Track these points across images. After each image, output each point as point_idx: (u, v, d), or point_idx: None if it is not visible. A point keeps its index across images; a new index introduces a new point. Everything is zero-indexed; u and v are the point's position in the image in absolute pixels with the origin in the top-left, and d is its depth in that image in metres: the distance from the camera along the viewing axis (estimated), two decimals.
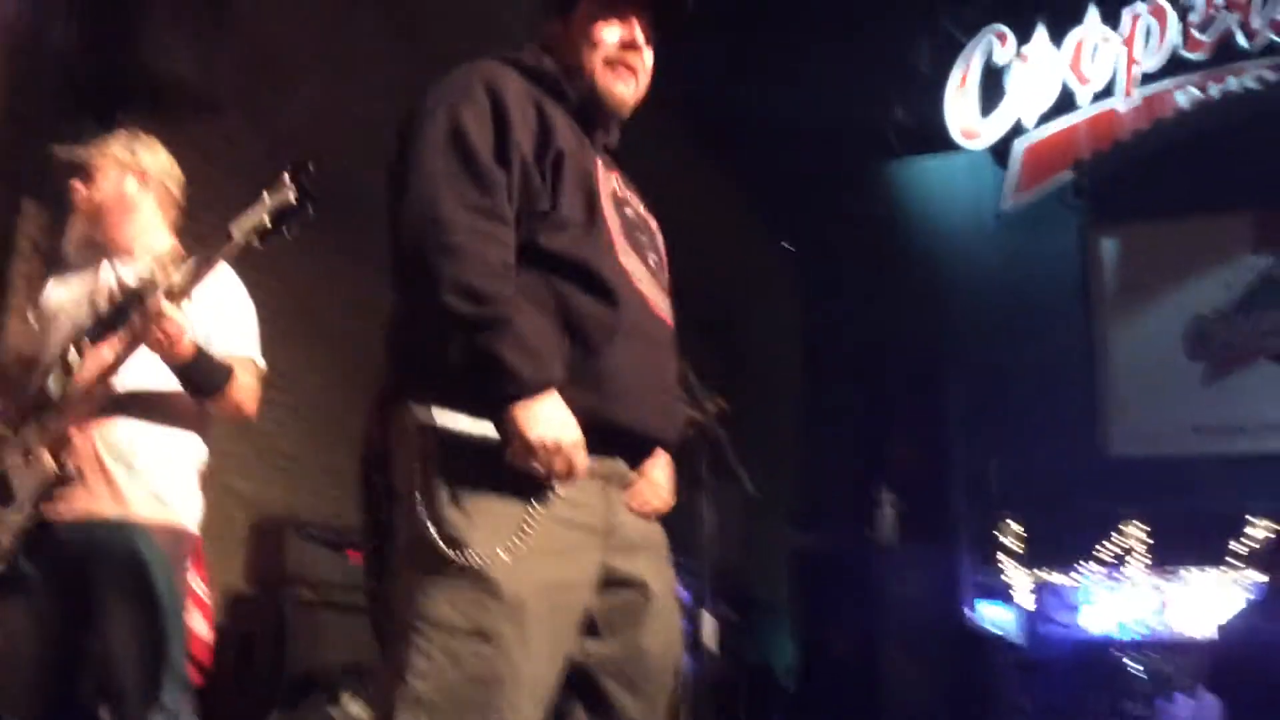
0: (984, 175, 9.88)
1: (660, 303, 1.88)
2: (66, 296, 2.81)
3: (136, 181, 2.79)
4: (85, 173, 2.78)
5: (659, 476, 1.91)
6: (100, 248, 2.80)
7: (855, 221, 9.35)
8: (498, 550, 1.60)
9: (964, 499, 7.96)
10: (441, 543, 1.61)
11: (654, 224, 2.01)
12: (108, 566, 2.53)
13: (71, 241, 2.83)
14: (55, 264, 3.05)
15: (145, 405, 2.63)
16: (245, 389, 2.67)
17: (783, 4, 8.41)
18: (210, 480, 5.09)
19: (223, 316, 2.69)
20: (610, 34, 1.91)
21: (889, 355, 8.67)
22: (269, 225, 2.29)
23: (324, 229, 6.13)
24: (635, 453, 1.82)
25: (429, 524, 1.62)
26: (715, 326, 9.21)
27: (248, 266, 5.30)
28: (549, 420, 1.62)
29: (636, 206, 1.97)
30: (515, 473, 1.63)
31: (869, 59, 8.84)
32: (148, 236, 2.78)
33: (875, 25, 8.77)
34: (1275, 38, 9.16)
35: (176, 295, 2.43)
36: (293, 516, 4.74)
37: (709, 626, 3.03)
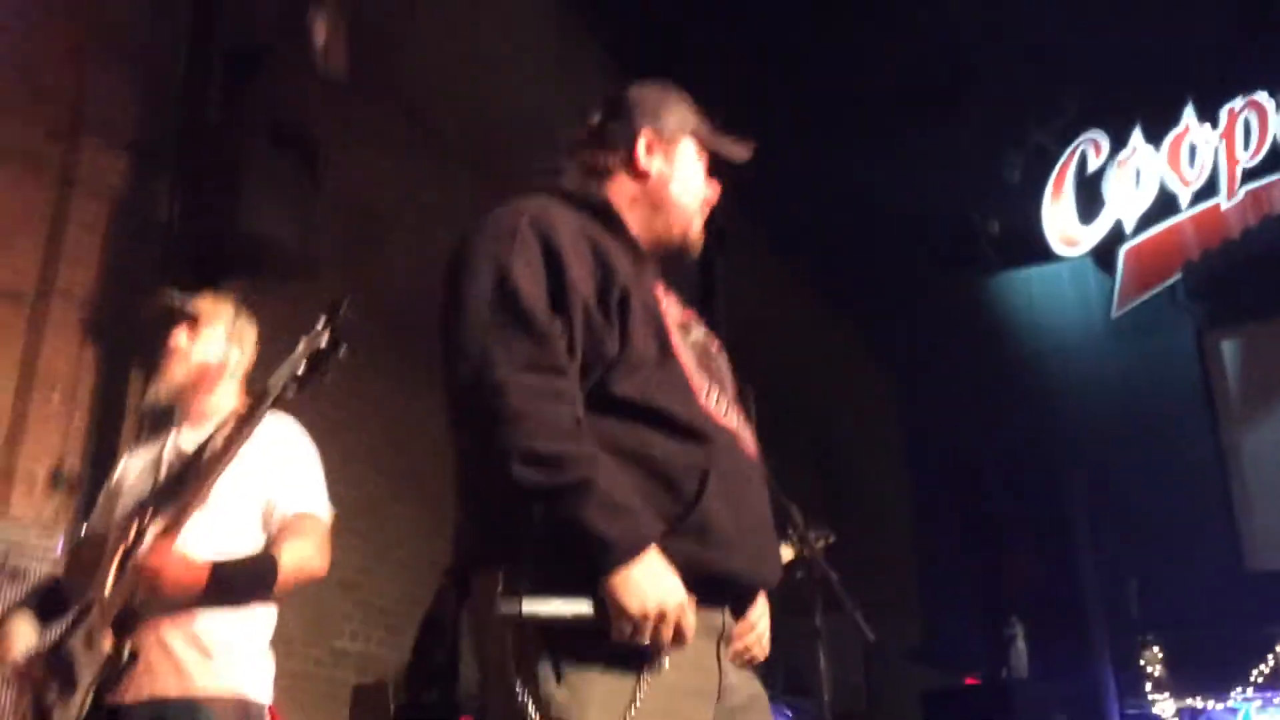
0: (1088, 282, 9.64)
1: (745, 435, 1.74)
2: (135, 468, 2.77)
3: (237, 350, 2.77)
4: (193, 324, 2.74)
5: (761, 623, 1.74)
6: (175, 413, 2.75)
7: (957, 338, 9.15)
8: None
9: (1104, 624, 7.50)
10: None
11: (716, 343, 1.87)
12: None
13: (159, 392, 2.76)
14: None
15: None
16: (297, 564, 2.52)
17: (870, 124, 8.43)
18: (315, 641, 5.05)
19: (284, 471, 2.61)
20: (707, 182, 1.88)
21: (1003, 475, 8.36)
22: (305, 371, 2.24)
23: (425, 375, 6.17)
24: (740, 601, 1.67)
25: (532, 709, 1.47)
26: (816, 456, 9.02)
27: (350, 416, 5.36)
28: (650, 585, 1.45)
29: (698, 328, 1.84)
30: (621, 644, 1.47)
31: (960, 174, 8.78)
32: (224, 405, 2.72)
33: (964, 140, 8.72)
34: None
35: (222, 463, 2.35)
36: (399, 676, 4.62)
37: None
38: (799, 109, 8.39)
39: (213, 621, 2.52)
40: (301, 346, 2.27)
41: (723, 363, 1.84)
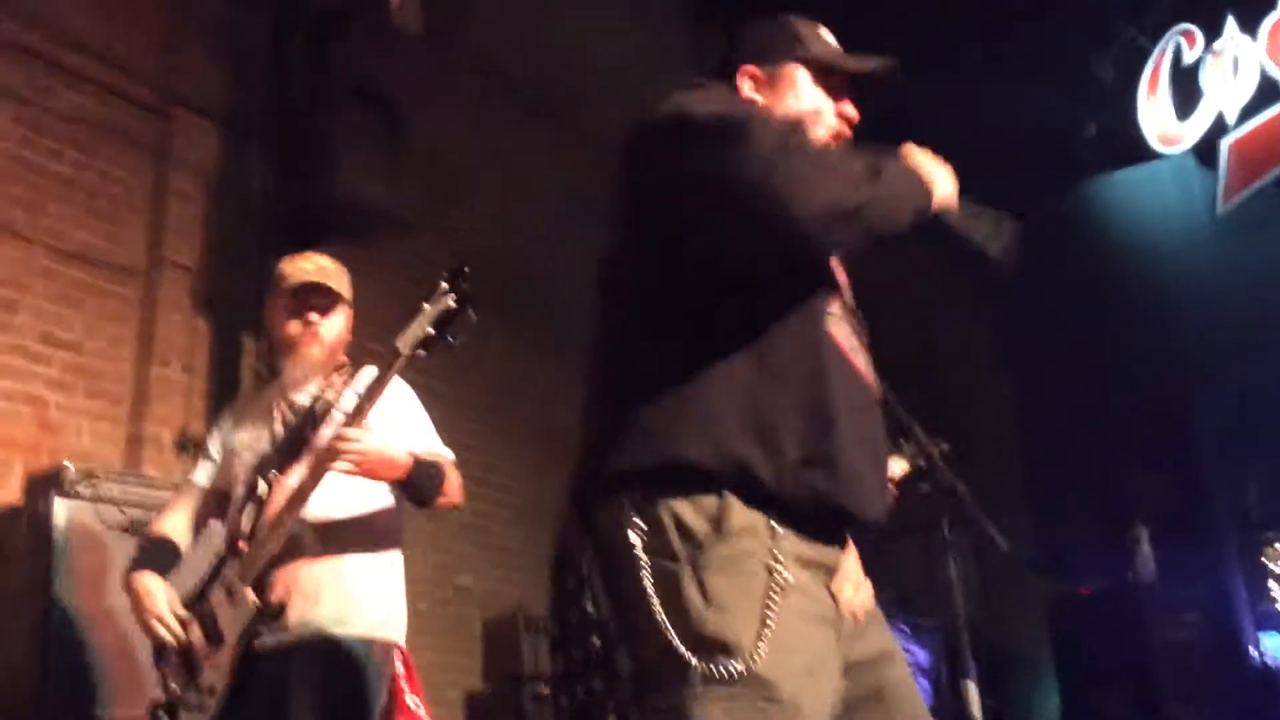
0: (1191, 180, 9.29)
1: (868, 368, 1.78)
2: (247, 431, 2.84)
3: (349, 320, 2.88)
4: (325, 303, 2.80)
5: (852, 566, 1.76)
6: (291, 382, 2.82)
7: (1060, 245, 8.91)
8: (760, 647, 1.46)
9: (1231, 526, 7.31)
10: (704, 651, 1.46)
11: (843, 276, 1.89)
12: (307, 684, 2.50)
13: (302, 372, 2.81)
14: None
15: (341, 532, 2.62)
16: (455, 485, 2.73)
17: (954, 31, 8.22)
18: (441, 581, 5.22)
19: (405, 422, 2.74)
20: (835, 106, 1.92)
21: (1114, 382, 8.14)
22: (433, 333, 2.31)
23: (517, 327, 6.28)
24: (852, 538, 1.73)
25: (674, 633, 1.48)
26: (916, 367, 8.90)
27: (453, 371, 5.48)
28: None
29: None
30: (750, 560, 1.50)
31: (1053, 77, 8.52)
32: (320, 364, 2.85)
33: (1055, 43, 8.45)
34: None
35: (355, 420, 2.47)
36: (524, 611, 4.75)
37: (973, 696, 2.80)
38: (884, 27, 8.20)
39: (355, 567, 2.62)
40: (427, 310, 2.34)
41: (847, 292, 1.86)
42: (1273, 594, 8.36)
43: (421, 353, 2.38)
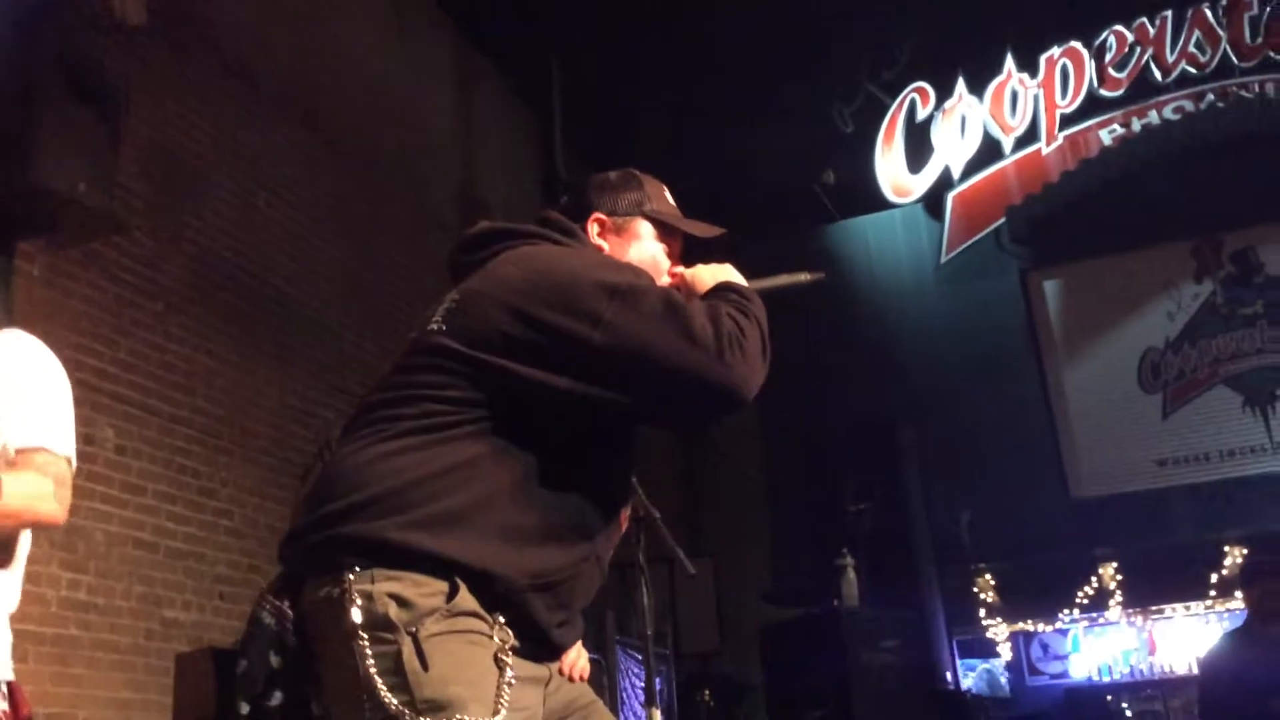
0: (920, 229, 9.95)
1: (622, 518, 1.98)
2: None
3: None
4: None
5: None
6: None
7: (795, 288, 9.32)
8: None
9: (932, 556, 7.81)
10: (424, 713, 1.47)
11: None
12: None
13: None
14: None
15: None
16: (25, 499, 2.12)
17: (706, 77, 8.48)
18: (145, 614, 4.89)
19: (9, 399, 2.18)
20: (669, 260, 1.98)
21: (841, 418, 8.58)
22: None
23: (248, 339, 5.98)
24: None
25: (398, 697, 1.49)
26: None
27: (172, 386, 5.17)
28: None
29: None
30: (475, 635, 1.55)
31: (794, 127, 8.92)
32: None
33: (798, 93, 8.85)
34: (1190, 69, 9.35)
35: None
36: (216, 645, 4.49)
37: None
38: (637, 68, 8.39)
39: None
40: None
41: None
42: (983, 621, 8.99)
43: None
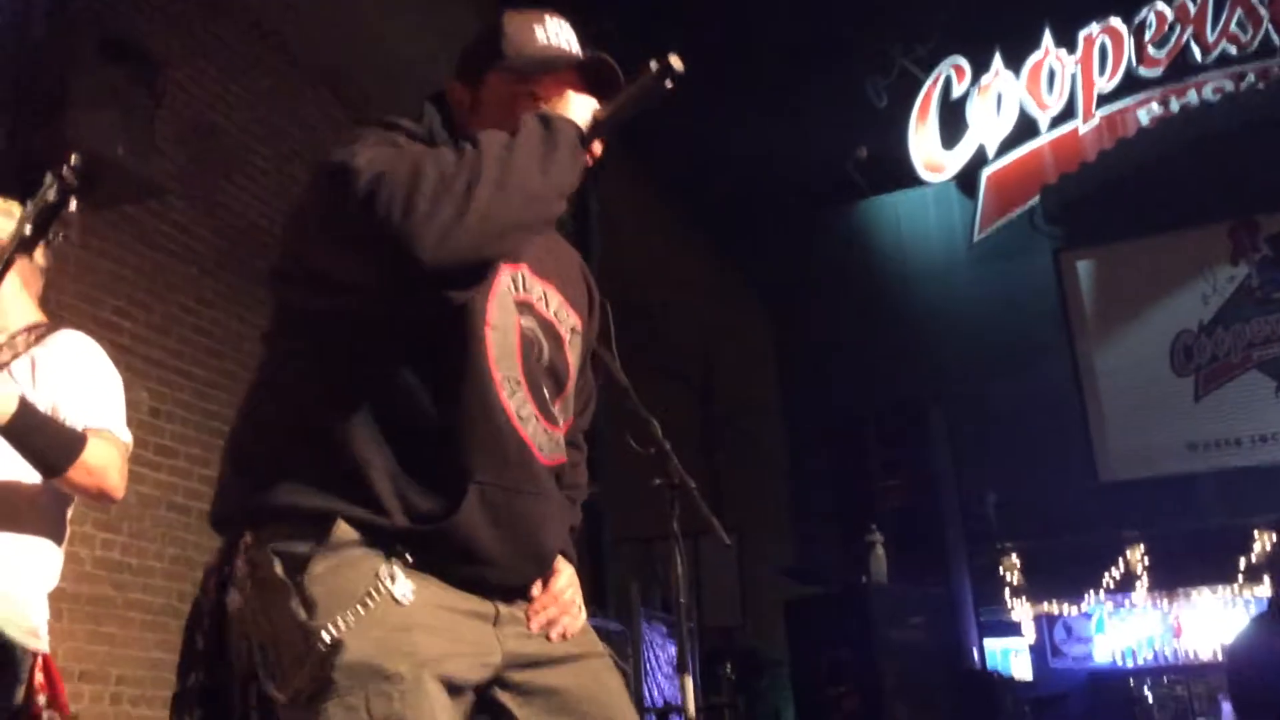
0: (953, 207, 9.87)
1: (543, 438, 1.63)
2: None
3: (25, 271, 2.46)
4: None
5: (566, 593, 1.66)
6: None
7: (828, 264, 9.30)
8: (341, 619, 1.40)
9: (960, 535, 7.78)
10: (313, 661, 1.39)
11: (572, 322, 1.73)
12: None
13: None
14: None
15: None
16: (104, 462, 2.26)
17: (739, 55, 8.42)
18: (183, 574, 4.95)
19: (72, 385, 2.33)
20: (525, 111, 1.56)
21: (871, 395, 8.55)
22: (29, 234, 2.06)
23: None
24: (507, 594, 1.60)
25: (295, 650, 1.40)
26: (700, 386, 9.12)
27: (206, 351, 5.21)
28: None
29: (552, 304, 1.69)
30: (357, 564, 1.44)
31: (828, 102, 8.85)
32: (10, 314, 2.44)
33: (832, 69, 8.78)
34: (1230, 48, 9.20)
35: None
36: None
37: (690, 692, 2.85)
38: (665, 42, 8.32)
39: None
40: (28, 207, 2.09)
41: (565, 349, 1.69)
42: (1008, 603, 8.97)
43: (22, 255, 2.09)
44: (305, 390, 1.51)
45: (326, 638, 1.37)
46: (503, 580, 1.56)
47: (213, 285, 5.38)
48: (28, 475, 2.28)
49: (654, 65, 1.56)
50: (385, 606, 1.40)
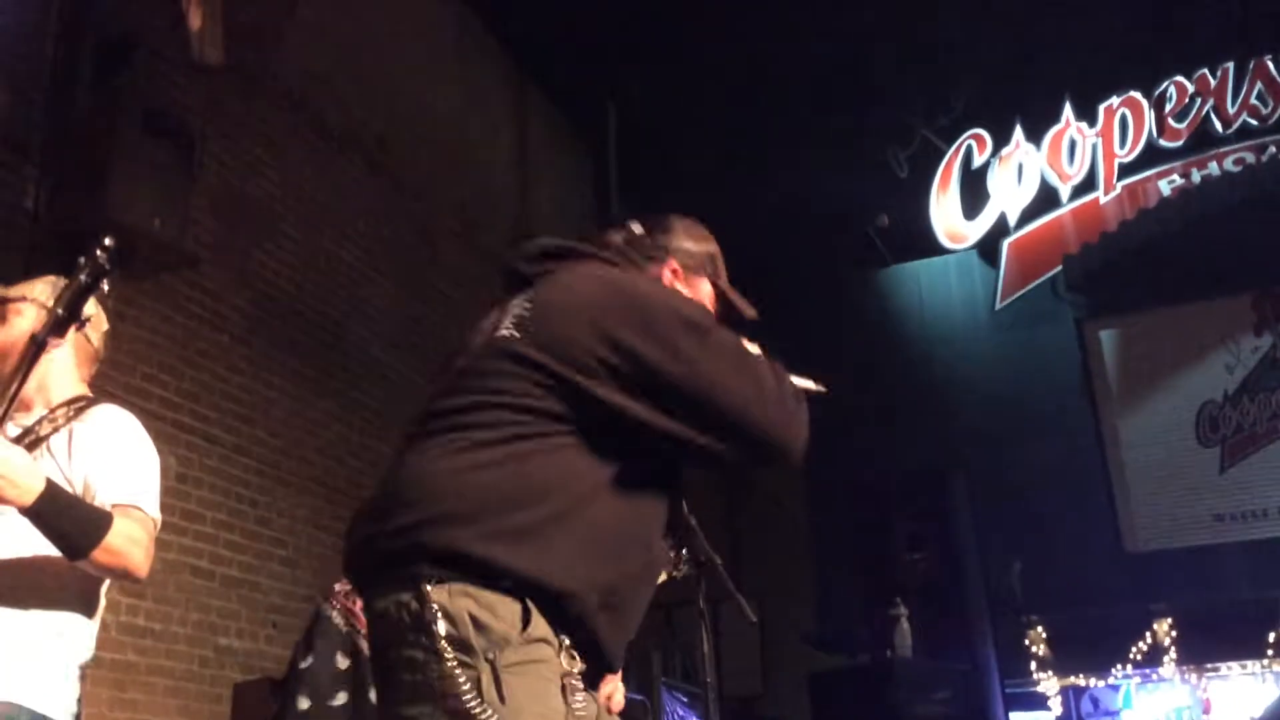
0: (974, 275, 9.91)
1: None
2: None
3: (80, 346, 2.52)
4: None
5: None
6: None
7: (849, 331, 9.31)
8: None
9: (985, 607, 7.71)
10: None
11: None
12: None
13: None
14: None
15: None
16: (128, 542, 2.24)
17: (761, 118, 8.55)
18: (200, 641, 4.96)
19: (106, 459, 2.33)
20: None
21: (892, 464, 8.52)
22: (63, 315, 2.12)
23: (309, 374, 6.09)
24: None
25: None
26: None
27: (234, 417, 5.27)
28: None
29: None
30: (545, 667, 1.56)
31: (850, 169, 8.95)
32: (55, 389, 2.45)
33: (853, 138, 8.89)
34: (1251, 121, 9.26)
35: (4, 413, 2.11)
36: (273, 675, 4.55)
37: None
38: (692, 106, 8.48)
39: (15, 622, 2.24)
40: (62, 290, 2.15)
41: None
42: (1034, 675, 8.85)
43: (50, 334, 2.14)
44: (549, 460, 1.64)
45: None
46: (619, 664, 1.75)
47: (242, 352, 5.46)
48: (48, 549, 2.29)
49: (814, 387, 1.93)
50: None
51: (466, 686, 1.48)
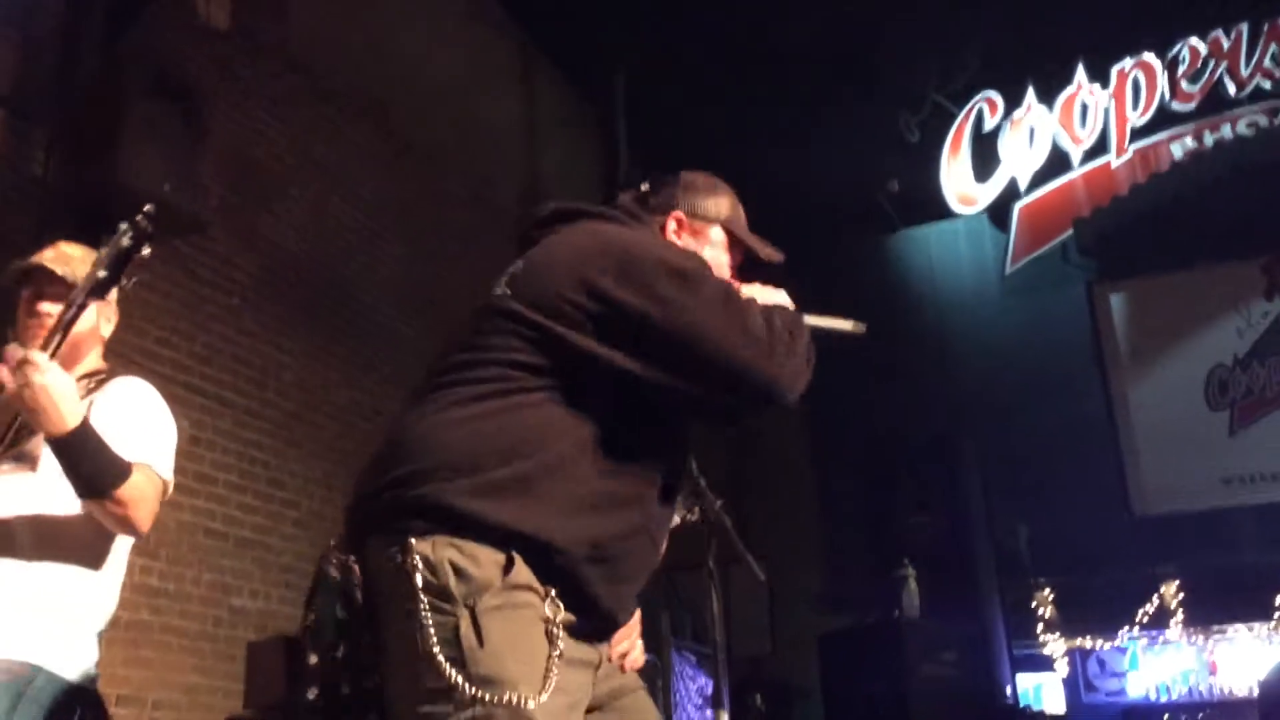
0: (984, 240, 9.87)
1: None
2: None
3: (103, 316, 2.56)
4: (56, 292, 2.42)
5: (634, 625, 1.92)
6: None
7: (858, 296, 9.28)
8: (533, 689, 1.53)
9: (993, 569, 7.74)
10: (475, 687, 1.51)
11: None
12: None
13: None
14: None
15: (17, 532, 2.28)
16: (139, 495, 2.27)
17: (771, 84, 8.49)
18: (214, 601, 5.02)
19: (122, 420, 2.36)
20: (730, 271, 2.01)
21: (902, 428, 8.53)
22: (104, 276, 2.15)
23: (320, 338, 6.12)
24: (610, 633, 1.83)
25: (451, 669, 1.52)
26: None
27: (246, 380, 5.31)
28: None
29: None
30: (528, 610, 1.58)
31: (861, 134, 8.90)
32: (79, 360, 2.48)
33: (865, 101, 8.84)
34: (1264, 83, 9.18)
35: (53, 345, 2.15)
36: (287, 634, 4.60)
37: None
38: (700, 73, 8.43)
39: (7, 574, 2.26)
40: (102, 252, 2.17)
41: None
42: (1040, 637, 8.91)
43: (87, 297, 2.16)
44: (537, 413, 1.66)
45: (512, 699, 1.49)
46: (620, 617, 1.76)
47: (253, 315, 5.49)
48: (70, 508, 2.31)
49: (850, 326, 2.11)
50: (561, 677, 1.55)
51: (438, 637, 1.51)
